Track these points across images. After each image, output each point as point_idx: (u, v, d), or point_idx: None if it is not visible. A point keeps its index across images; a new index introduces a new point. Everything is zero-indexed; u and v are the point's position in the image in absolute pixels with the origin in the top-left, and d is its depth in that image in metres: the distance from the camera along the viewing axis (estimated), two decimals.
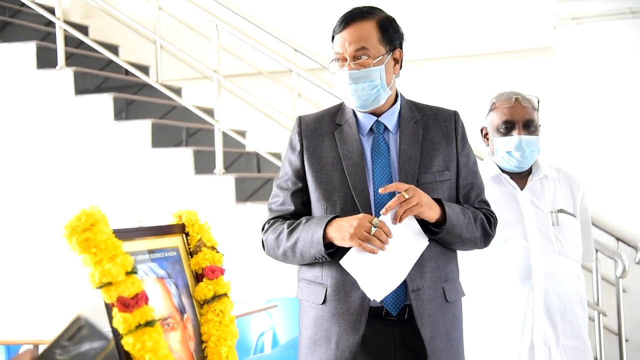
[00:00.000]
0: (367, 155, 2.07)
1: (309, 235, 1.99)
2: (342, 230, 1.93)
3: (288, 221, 2.08)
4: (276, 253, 2.10)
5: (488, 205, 2.18)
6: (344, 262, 1.95)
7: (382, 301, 2.00)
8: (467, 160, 2.14)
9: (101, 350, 1.19)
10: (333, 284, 2.03)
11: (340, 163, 2.06)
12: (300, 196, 2.10)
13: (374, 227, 1.90)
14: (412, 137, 2.08)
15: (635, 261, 4.60)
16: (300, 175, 2.10)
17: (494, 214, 2.17)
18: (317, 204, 2.07)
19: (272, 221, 2.13)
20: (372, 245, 1.91)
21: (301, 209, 2.10)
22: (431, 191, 2.04)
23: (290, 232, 2.04)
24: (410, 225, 1.97)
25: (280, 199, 2.12)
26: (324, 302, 2.04)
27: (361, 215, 1.94)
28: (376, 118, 2.09)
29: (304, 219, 2.05)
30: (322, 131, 2.11)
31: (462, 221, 2.02)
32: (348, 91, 2.04)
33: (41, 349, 3.04)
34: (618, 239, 4.63)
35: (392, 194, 2.00)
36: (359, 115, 2.11)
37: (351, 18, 2.03)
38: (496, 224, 2.16)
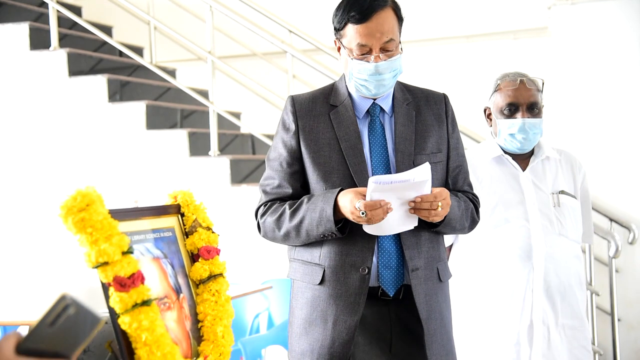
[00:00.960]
0: (363, 137, 2.06)
1: (317, 213, 1.97)
2: (344, 211, 1.93)
3: (288, 202, 2.06)
4: (275, 235, 2.08)
5: (472, 188, 2.20)
6: (366, 229, 1.94)
7: (380, 281, 2.01)
8: (456, 143, 2.16)
9: (92, 328, 1.14)
10: (332, 265, 2.02)
11: (337, 144, 2.04)
12: (298, 178, 2.08)
13: (363, 213, 1.87)
14: (406, 119, 2.09)
15: (628, 241, 4.63)
16: (296, 156, 2.07)
17: (478, 198, 2.19)
18: (315, 186, 2.05)
19: (269, 203, 2.10)
20: (373, 220, 1.89)
21: (299, 191, 2.08)
22: None
23: (294, 212, 2.01)
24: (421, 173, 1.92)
25: (275, 181, 2.09)
26: (321, 283, 2.03)
27: (349, 199, 1.91)
28: (373, 100, 2.08)
29: (305, 198, 2.02)
30: (316, 112, 2.09)
31: (457, 215, 2.04)
32: (371, 82, 2.01)
33: None
34: (611, 220, 4.65)
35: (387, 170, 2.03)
36: (354, 96, 2.09)
37: (373, 8, 1.98)
38: (479, 207, 2.18)
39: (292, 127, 2.08)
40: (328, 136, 2.06)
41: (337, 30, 2.04)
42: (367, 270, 1.99)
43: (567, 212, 2.50)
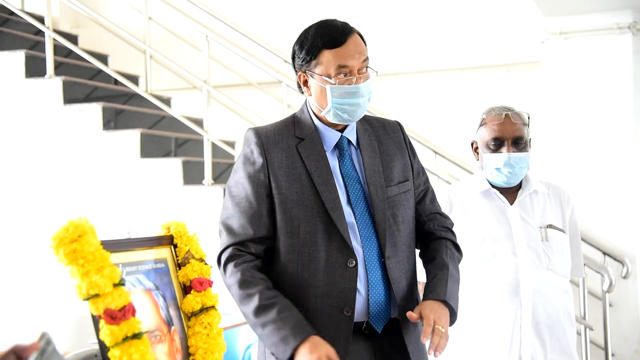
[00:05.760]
0: (335, 171, 2.00)
1: (278, 338, 1.84)
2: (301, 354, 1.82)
3: (259, 287, 1.89)
4: (235, 300, 1.95)
5: (442, 214, 2.15)
6: None
7: (369, 317, 1.96)
8: (418, 167, 2.14)
9: None
10: (312, 309, 1.93)
11: (309, 179, 1.96)
12: (267, 215, 1.95)
13: None
14: (371, 150, 2.05)
15: (622, 275, 4.62)
16: (267, 192, 1.96)
17: (449, 220, 2.15)
18: (288, 224, 1.94)
19: (236, 256, 1.93)
20: None
21: (268, 230, 1.95)
22: (398, 204, 2.02)
23: (262, 310, 1.87)
24: None
25: (241, 219, 1.95)
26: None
27: (307, 358, 1.80)
28: (340, 133, 2.02)
29: (278, 304, 1.87)
30: (284, 145, 1.99)
31: (457, 289, 2.03)
32: (353, 105, 1.96)
33: None
34: (605, 253, 4.65)
35: (368, 220, 1.97)
36: (321, 129, 2.03)
37: (347, 31, 1.96)
38: (456, 236, 2.15)
39: (260, 160, 1.97)
40: (299, 171, 1.97)
41: (307, 61, 1.97)
42: (350, 312, 1.93)
43: (555, 246, 2.49)
